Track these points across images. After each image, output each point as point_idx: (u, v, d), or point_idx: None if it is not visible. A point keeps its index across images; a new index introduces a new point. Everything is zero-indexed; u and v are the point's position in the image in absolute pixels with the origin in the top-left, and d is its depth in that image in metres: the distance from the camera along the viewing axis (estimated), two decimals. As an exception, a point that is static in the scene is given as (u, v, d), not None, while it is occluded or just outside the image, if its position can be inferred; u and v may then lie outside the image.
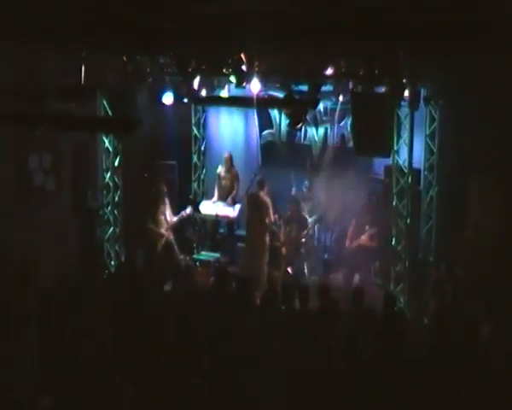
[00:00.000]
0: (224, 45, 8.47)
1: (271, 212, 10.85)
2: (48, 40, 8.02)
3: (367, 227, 10.77)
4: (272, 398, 5.97)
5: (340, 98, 11.00)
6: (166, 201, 11.32)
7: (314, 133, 12.17)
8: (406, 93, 9.26)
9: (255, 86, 9.48)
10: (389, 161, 10.15)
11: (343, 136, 11.89)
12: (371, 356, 6.41)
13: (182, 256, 11.78)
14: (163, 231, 11.17)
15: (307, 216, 11.28)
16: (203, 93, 10.91)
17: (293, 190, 11.63)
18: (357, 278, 10.59)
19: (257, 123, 12.76)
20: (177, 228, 11.57)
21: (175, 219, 11.31)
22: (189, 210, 11.50)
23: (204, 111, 13.06)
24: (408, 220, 9.84)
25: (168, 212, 11.29)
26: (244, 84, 9.70)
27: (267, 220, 10.80)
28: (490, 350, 6.56)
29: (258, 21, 6.32)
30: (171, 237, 11.28)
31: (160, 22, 6.56)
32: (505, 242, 9.80)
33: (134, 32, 7.31)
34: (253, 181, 11.24)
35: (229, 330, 6.99)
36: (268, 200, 10.86)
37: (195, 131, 13.06)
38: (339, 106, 11.44)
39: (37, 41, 8.31)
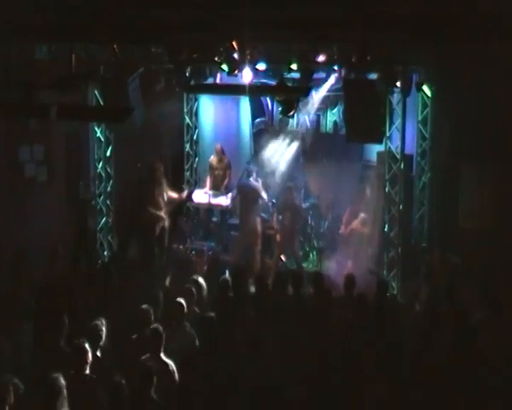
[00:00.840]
0: (216, 33, 8.43)
1: (264, 193, 10.91)
2: (40, 31, 7.98)
3: (361, 214, 10.80)
4: (268, 383, 6.00)
5: (332, 80, 10.78)
6: (164, 181, 11.34)
7: (306, 121, 12.15)
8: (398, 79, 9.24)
9: (247, 75, 9.44)
10: (382, 148, 10.16)
11: (335, 123, 11.87)
12: (363, 345, 6.44)
13: (175, 245, 11.81)
14: (162, 213, 11.20)
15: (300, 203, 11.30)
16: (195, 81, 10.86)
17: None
18: (350, 264, 10.61)
19: (249, 111, 12.72)
20: (173, 212, 11.61)
21: (175, 195, 11.34)
22: (186, 193, 11.55)
23: (196, 100, 13.02)
24: (400, 206, 9.85)
25: (166, 192, 11.30)
26: (236, 72, 9.67)
27: (261, 200, 10.86)
28: (482, 339, 6.57)
29: (249, 9, 6.30)
30: (167, 223, 11.32)
31: (151, 12, 6.53)
32: (501, 228, 9.84)
33: (126, 22, 7.27)
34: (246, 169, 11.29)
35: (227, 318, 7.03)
36: (257, 184, 10.95)
37: (188, 119, 13.02)
38: (322, 89, 11.24)
39: (30, 31, 8.26)
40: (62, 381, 5.37)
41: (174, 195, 11.44)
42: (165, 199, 11.30)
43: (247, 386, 5.84)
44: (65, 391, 5.34)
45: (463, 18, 6.50)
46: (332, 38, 8.41)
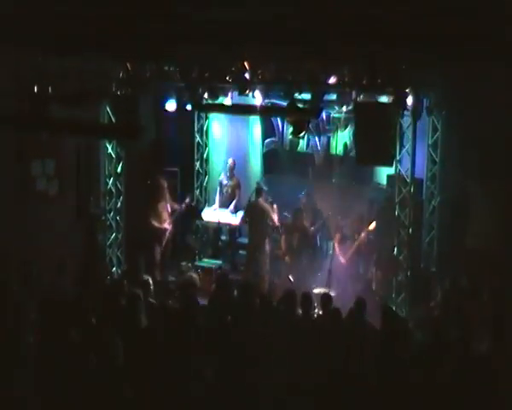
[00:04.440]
0: (227, 53, 8.48)
1: (274, 215, 10.93)
2: (54, 47, 8.06)
3: (356, 236, 10.73)
4: (272, 402, 5.97)
5: (344, 108, 10.97)
6: (167, 196, 11.49)
7: (317, 142, 12.17)
8: (409, 102, 9.25)
9: (258, 99, 9.52)
10: (392, 171, 10.15)
11: (345, 144, 11.88)
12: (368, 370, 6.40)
13: (184, 263, 11.83)
14: (166, 225, 11.36)
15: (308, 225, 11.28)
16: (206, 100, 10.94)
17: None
18: (358, 287, 10.53)
19: (260, 131, 12.77)
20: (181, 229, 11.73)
21: (177, 206, 11.56)
22: (188, 200, 11.63)
23: (207, 118, 13.08)
24: (410, 230, 9.81)
25: (170, 206, 11.50)
26: (247, 91, 9.74)
27: (271, 224, 10.90)
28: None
29: (260, 29, 6.35)
30: (170, 235, 11.50)
31: (163, 30, 6.59)
32: (508, 253, 9.77)
33: (138, 40, 7.33)
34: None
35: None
36: (267, 206, 10.97)
37: (198, 138, 13.06)
38: (343, 115, 11.42)
39: (43, 48, 8.34)
40: None
41: (176, 205, 11.64)
42: (169, 211, 11.50)
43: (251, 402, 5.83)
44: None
45: (474, 37, 6.52)
46: (341, 56, 8.45)
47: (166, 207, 11.49)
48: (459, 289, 9.00)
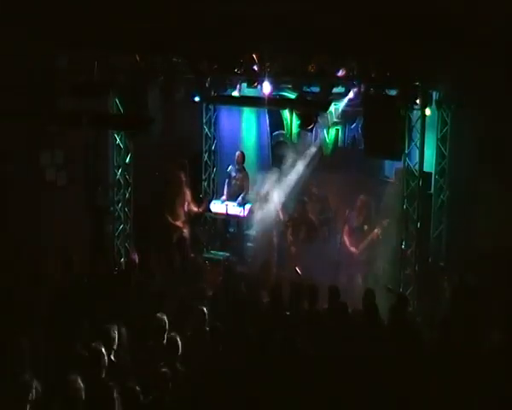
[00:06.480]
0: (236, 45, 8.48)
1: (280, 210, 10.93)
2: (63, 40, 8.08)
3: (365, 227, 10.66)
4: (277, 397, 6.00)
5: (351, 94, 10.79)
6: (187, 191, 11.44)
7: (325, 134, 12.14)
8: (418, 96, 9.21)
9: (266, 88, 9.49)
10: (400, 164, 10.11)
11: (354, 137, 11.85)
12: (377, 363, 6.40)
13: (192, 255, 11.85)
14: (180, 223, 11.30)
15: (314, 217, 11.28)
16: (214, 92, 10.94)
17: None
18: (365, 279, 10.53)
19: (268, 123, 12.75)
20: (191, 222, 11.74)
21: (195, 208, 11.53)
22: (205, 205, 11.73)
23: (215, 110, 13.06)
24: (418, 224, 9.79)
25: (188, 203, 11.43)
26: (256, 84, 9.73)
27: (275, 219, 10.91)
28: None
29: (270, 22, 6.34)
30: (186, 233, 11.40)
31: (172, 22, 6.59)
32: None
33: (146, 32, 7.34)
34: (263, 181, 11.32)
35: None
36: (275, 198, 10.96)
37: (206, 130, 13.05)
38: (344, 103, 11.28)
39: (53, 40, 8.36)
40: (81, 383, 5.44)
41: (194, 208, 11.60)
42: (186, 209, 11.42)
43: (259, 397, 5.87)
44: (83, 394, 5.41)
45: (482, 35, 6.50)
46: (351, 52, 8.43)
47: (184, 205, 11.45)
48: (468, 287, 8.96)
